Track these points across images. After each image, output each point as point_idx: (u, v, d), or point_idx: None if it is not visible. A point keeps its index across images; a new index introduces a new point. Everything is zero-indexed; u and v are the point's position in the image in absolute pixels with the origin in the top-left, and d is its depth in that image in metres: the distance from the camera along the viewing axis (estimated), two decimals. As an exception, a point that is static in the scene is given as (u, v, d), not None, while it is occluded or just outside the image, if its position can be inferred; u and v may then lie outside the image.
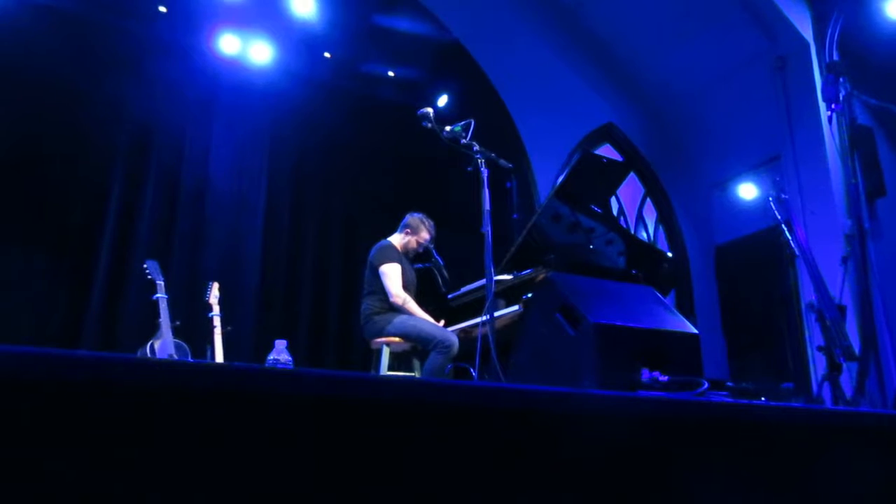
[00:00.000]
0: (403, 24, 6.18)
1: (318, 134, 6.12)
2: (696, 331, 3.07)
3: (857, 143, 5.50)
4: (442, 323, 3.92)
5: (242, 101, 5.80)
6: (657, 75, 6.93)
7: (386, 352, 3.80)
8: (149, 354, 3.86)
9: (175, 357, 3.87)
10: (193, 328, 4.38)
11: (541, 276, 3.36)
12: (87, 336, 4.74)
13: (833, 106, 5.05)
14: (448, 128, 3.17)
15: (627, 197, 7.22)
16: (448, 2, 6.30)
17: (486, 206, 2.99)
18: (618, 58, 6.95)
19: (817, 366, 5.38)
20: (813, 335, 5.50)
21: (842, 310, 4.37)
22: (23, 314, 4.63)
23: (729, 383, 3.01)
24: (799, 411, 1.74)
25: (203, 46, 5.62)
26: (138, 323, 4.73)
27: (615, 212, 6.92)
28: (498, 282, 3.46)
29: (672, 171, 7.28)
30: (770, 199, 4.85)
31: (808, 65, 5.93)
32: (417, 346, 3.82)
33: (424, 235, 4.11)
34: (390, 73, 6.48)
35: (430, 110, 3.17)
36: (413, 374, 4.06)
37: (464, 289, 4.01)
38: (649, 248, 5.02)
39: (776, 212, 4.75)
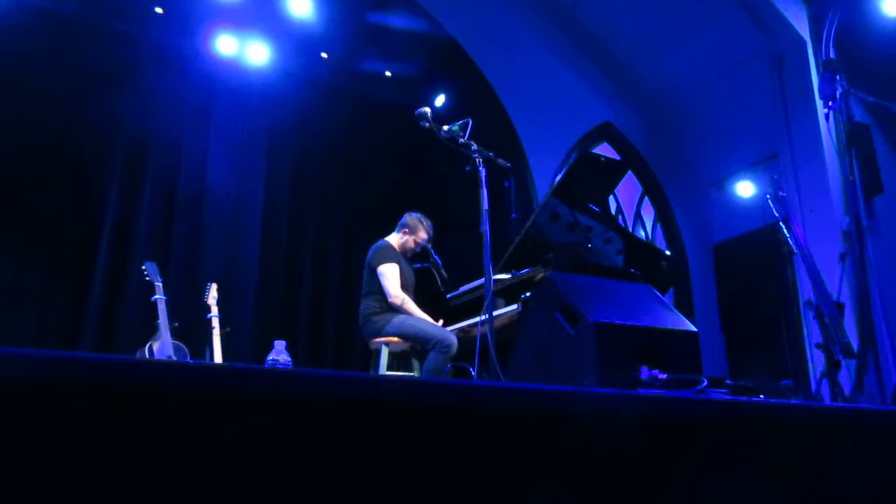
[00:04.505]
0: (400, 23, 6.17)
1: (316, 134, 6.13)
2: (694, 329, 3.08)
3: (855, 140, 5.51)
4: (441, 322, 3.92)
5: (240, 103, 5.80)
6: (655, 74, 6.93)
7: (385, 352, 3.80)
8: (147, 356, 3.85)
9: (174, 358, 3.87)
10: (192, 329, 4.38)
11: (539, 276, 3.36)
12: (85, 338, 4.74)
13: (830, 103, 5.07)
14: (446, 127, 3.16)
15: (625, 195, 7.23)
16: (445, 1, 6.30)
17: (485, 205, 2.98)
18: (615, 56, 6.96)
19: (816, 363, 5.38)
20: (811, 332, 5.51)
21: (840, 307, 4.38)
22: (21, 316, 4.62)
23: (728, 381, 3.02)
24: (798, 408, 1.74)
25: (200, 48, 5.62)
26: (137, 324, 4.73)
27: (613, 210, 6.92)
28: (497, 281, 3.46)
29: (670, 170, 7.28)
30: (768, 196, 4.87)
31: (805, 63, 5.93)
32: (416, 346, 3.82)
33: (422, 235, 4.10)
34: (387, 73, 6.49)
35: (427, 110, 3.17)
36: (412, 373, 4.06)
37: (462, 288, 4.01)
38: (648, 247, 5.01)
39: (774, 210, 4.77)
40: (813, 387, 5.06)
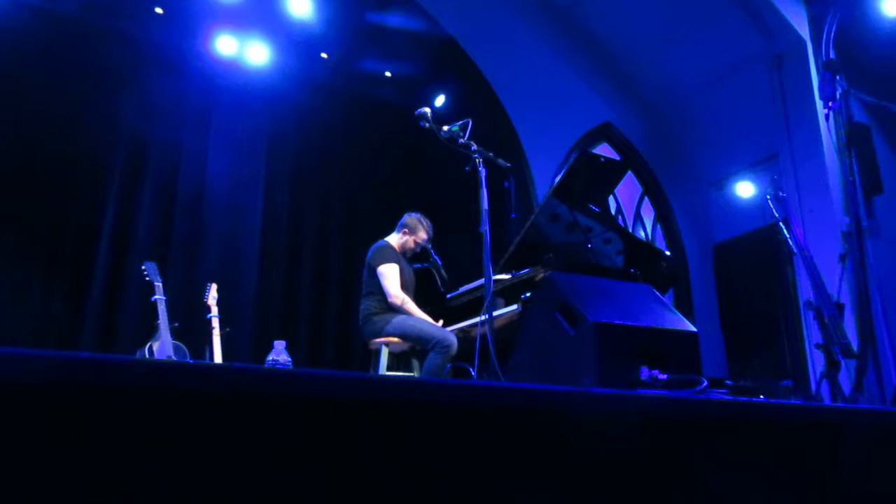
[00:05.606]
0: (400, 23, 6.18)
1: (316, 135, 6.12)
2: (694, 329, 3.08)
3: (854, 140, 5.51)
4: (441, 323, 3.92)
5: (240, 103, 5.79)
6: (655, 74, 6.93)
7: (385, 352, 3.80)
8: (147, 356, 3.85)
9: (174, 358, 3.87)
10: (192, 329, 4.37)
11: (539, 276, 3.36)
12: (85, 338, 4.74)
13: (830, 104, 5.07)
14: (446, 127, 3.17)
15: (625, 196, 7.23)
16: (445, 1, 6.30)
17: (485, 205, 2.99)
18: (616, 56, 6.96)
19: (816, 363, 5.39)
20: (811, 333, 5.51)
21: (840, 307, 4.38)
22: (21, 316, 4.62)
23: (728, 381, 3.01)
24: (797, 409, 1.74)
25: (200, 48, 5.61)
26: (137, 325, 4.72)
27: (613, 210, 6.93)
28: (496, 281, 3.46)
29: (670, 170, 7.29)
30: (768, 197, 4.87)
31: (805, 63, 5.94)
32: (416, 346, 3.82)
33: (422, 235, 4.10)
34: (387, 74, 6.49)
35: (427, 110, 3.17)
36: (412, 374, 4.06)
37: (462, 288, 4.01)
38: (647, 247, 5.02)
39: (774, 210, 4.77)
40: (813, 387, 5.06)
